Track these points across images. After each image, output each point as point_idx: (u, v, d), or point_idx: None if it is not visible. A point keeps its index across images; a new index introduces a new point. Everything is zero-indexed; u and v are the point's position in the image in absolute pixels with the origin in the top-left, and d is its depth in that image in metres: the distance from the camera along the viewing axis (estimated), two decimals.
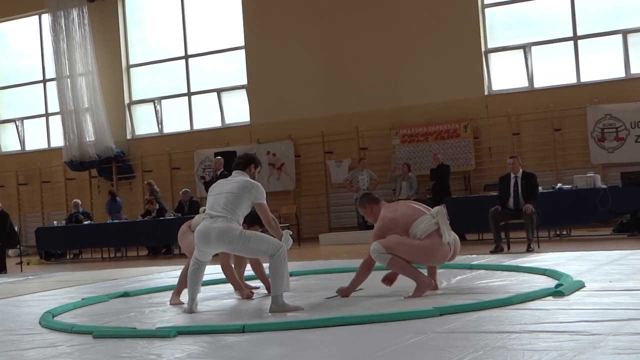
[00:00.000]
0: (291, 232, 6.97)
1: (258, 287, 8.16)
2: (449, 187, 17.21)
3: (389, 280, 7.39)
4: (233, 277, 7.83)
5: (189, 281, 6.93)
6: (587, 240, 13.41)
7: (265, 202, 6.82)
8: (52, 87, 24.06)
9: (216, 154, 18.39)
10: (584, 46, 18.10)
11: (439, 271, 8.44)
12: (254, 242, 6.61)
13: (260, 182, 7.06)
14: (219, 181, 7.11)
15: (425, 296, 6.83)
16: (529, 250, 11.32)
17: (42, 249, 19.27)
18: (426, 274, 7.19)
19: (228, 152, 18.22)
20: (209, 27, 22.28)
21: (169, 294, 8.00)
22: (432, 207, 7.24)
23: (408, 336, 4.94)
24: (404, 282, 7.21)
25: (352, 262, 10.54)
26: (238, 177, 6.93)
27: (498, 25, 19.02)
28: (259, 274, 8.07)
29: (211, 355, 4.94)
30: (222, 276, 8.15)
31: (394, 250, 6.91)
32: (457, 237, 7.23)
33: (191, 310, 6.85)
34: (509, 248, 11.86)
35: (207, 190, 17.56)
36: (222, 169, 17.17)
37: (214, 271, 9.05)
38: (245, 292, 7.78)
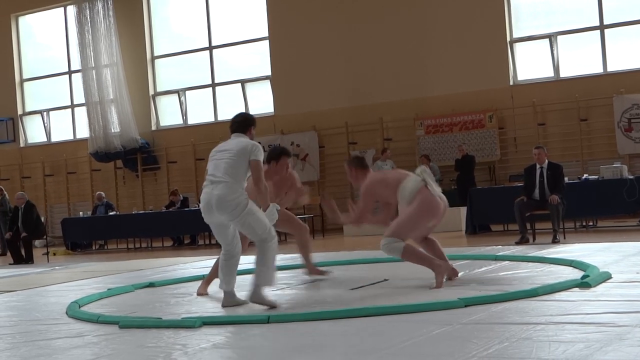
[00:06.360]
0: (278, 207, 6.64)
1: (331, 272, 8.16)
2: (474, 177, 17.16)
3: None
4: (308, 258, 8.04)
5: (223, 269, 6.62)
6: (614, 231, 13.31)
7: (262, 161, 6.53)
8: (77, 78, 24.21)
9: None
10: (611, 35, 17.93)
11: (462, 262, 8.45)
12: (254, 220, 6.32)
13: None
14: (219, 145, 6.75)
15: (450, 287, 6.81)
16: (555, 241, 11.24)
17: (68, 240, 19.43)
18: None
19: None
20: (233, 18, 22.31)
21: (195, 284, 8.03)
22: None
23: (433, 327, 4.93)
24: (427, 273, 7.20)
25: (376, 253, 10.53)
26: (238, 139, 6.63)
27: (523, 15, 18.89)
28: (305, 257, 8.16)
29: (236, 346, 4.95)
30: (248, 267, 8.16)
31: (399, 231, 6.90)
32: (442, 195, 7.18)
33: (234, 302, 6.61)
34: (534, 239, 11.79)
35: None
36: None
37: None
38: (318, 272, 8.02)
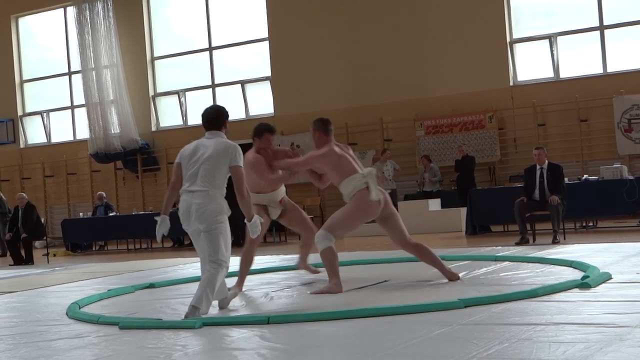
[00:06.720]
0: (262, 220, 6.42)
1: (319, 272, 8.20)
2: (474, 178, 17.17)
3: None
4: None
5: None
6: (614, 232, 13.31)
7: (243, 167, 6.29)
8: (77, 79, 24.21)
9: (240, 146, 18.43)
10: (610, 36, 17.93)
11: (462, 263, 8.45)
12: (223, 240, 6.12)
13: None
14: (194, 145, 6.36)
15: (449, 288, 6.81)
16: (555, 241, 11.25)
17: (68, 241, 19.43)
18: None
19: (252, 144, 18.24)
20: (233, 19, 22.32)
21: (194, 285, 7.99)
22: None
23: (433, 328, 4.93)
24: (427, 274, 7.20)
25: (376, 254, 10.54)
26: (215, 139, 6.31)
27: (523, 16, 18.89)
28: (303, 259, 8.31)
29: (236, 347, 4.95)
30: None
31: (334, 227, 7.11)
32: (384, 192, 7.33)
33: (228, 301, 6.54)
34: (534, 240, 11.79)
35: None
36: None
37: (232, 263, 9.06)
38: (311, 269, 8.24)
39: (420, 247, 7.32)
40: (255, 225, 6.20)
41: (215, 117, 6.43)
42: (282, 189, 7.94)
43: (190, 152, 6.31)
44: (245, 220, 6.27)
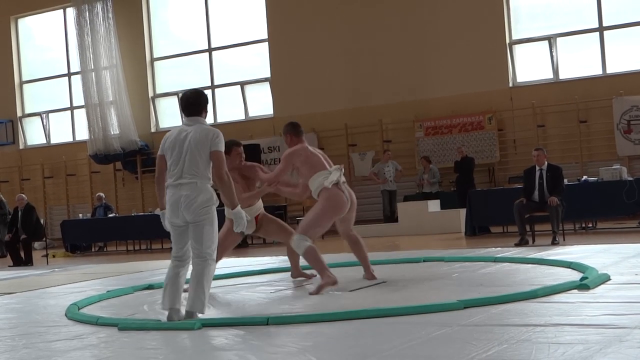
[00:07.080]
0: (249, 218, 6.22)
1: (315, 275, 8.18)
2: (474, 179, 17.18)
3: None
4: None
5: (170, 286, 6.00)
6: (613, 233, 13.32)
7: (223, 152, 6.01)
8: (77, 80, 24.21)
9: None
10: (610, 37, 17.94)
11: (462, 264, 8.44)
12: (208, 231, 5.88)
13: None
14: (175, 133, 6.07)
15: (449, 289, 6.81)
16: (554, 243, 11.25)
17: (68, 242, 19.42)
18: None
19: (252, 145, 18.25)
20: (233, 20, 22.32)
21: None
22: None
23: (432, 329, 4.93)
24: (426, 275, 7.20)
25: (375, 255, 10.52)
26: (195, 125, 6.02)
27: (523, 17, 18.90)
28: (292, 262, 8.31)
29: (235, 348, 4.94)
30: (244, 269, 8.17)
31: (308, 229, 7.20)
32: (351, 192, 7.59)
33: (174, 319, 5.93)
34: (534, 241, 11.79)
35: None
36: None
37: (232, 264, 9.06)
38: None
39: (355, 241, 7.75)
40: (240, 217, 5.99)
41: (194, 101, 6.12)
42: (258, 204, 7.97)
43: (171, 144, 6.02)
44: (229, 210, 6.07)
